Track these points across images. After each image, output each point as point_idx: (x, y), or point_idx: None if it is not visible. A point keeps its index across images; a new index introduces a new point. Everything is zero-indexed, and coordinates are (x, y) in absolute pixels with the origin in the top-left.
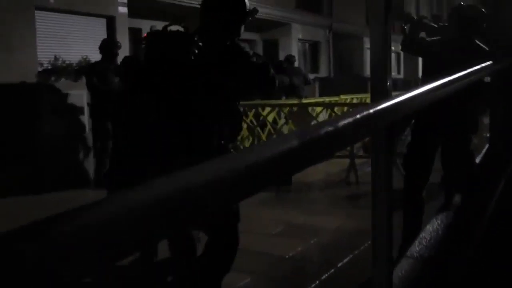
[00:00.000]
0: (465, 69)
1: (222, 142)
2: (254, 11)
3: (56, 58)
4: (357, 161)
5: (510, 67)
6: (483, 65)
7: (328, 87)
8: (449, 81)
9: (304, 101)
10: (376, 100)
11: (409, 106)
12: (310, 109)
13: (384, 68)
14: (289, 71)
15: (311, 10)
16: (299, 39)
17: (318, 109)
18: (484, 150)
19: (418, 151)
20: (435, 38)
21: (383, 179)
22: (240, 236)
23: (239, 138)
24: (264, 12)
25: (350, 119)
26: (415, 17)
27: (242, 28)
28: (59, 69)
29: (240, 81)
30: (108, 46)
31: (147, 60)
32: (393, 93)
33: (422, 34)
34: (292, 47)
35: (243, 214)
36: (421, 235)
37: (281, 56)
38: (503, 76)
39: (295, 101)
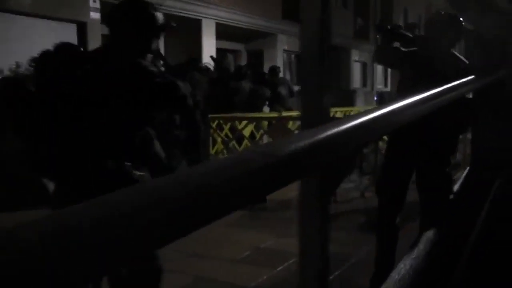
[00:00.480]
0: (442, 84)
1: (126, 165)
2: (168, 24)
3: (17, 65)
4: None
5: (495, 83)
6: (464, 80)
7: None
8: (426, 98)
9: (284, 114)
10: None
11: (359, 136)
12: (291, 123)
13: (317, 84)
14: (272, 82)
15: (298, 21)
16: (285, 50)
17: (295, 123)
18: (465, 172)
19: (390, 175)
20: (411, 49)
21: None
22: (201, 262)
23: (212, 152)
24: (249, 22)
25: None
26: (389, 26)
27: (155, 43)
28: (20, 77)
29: (141, 102)
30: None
31: (36, 86)
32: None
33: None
34: (278, 58)
35: (209, 237)
36: (392, 275)
37: (266, 67)
38: (486, 93)
39: (274, 114)
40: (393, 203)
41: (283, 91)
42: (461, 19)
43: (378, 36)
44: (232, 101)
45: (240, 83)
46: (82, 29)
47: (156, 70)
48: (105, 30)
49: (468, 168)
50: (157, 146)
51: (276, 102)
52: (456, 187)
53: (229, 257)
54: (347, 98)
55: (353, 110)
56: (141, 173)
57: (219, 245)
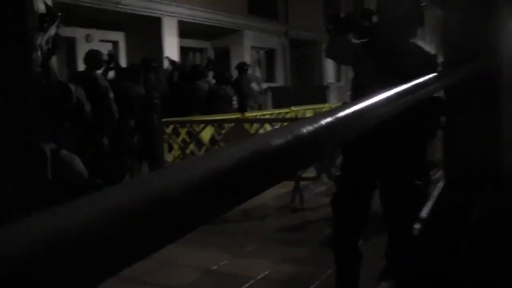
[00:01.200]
0: (400, 82)
1: None
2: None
3: None
4: (304, 182)
5: (473, 77)
6: (433, 75)
7: (283, 97)
8: (389, 97)
9: (248, 114)
10: None
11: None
12: (254, 125)
13: None
14: (239, 80)
15: (266, 16)
16: (253, 47)
17: (255, 125)
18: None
19: (348, 188)
20: (364, 40)
21: None
22: None
23: (169, 159)
24: (213, 18)
25: None
26: (341, 15)
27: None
28: None
29: None
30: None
31: None
32: None
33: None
34: (245, 55)
35: (153, 257)
36: None
37: (234, 65)
38: (461, 90)
39: (235, 115)
40: (351, 221)
41: (255, 87)
42: (421, 1)
43: (329, 28)
44: (189, 103)
45: (196, 83)
46: None
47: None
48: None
49: (442, 182)
50: (73, 161)
51: (250, 98)
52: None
53: (172, 282)
54: (320, 94)
55: (325, 107)
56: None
57: (163, 267)
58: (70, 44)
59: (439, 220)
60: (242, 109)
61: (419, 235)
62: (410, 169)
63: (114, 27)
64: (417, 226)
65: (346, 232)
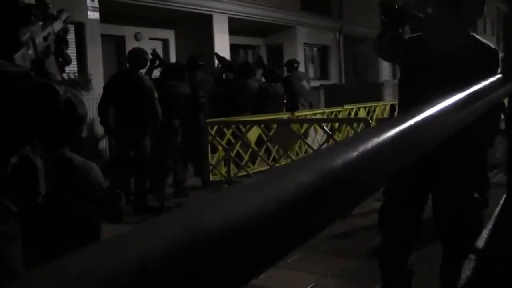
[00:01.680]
0: (464, 84)
1: None
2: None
3: None
4: None
5: None
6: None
7: (337, 95)
8: (453, 105)
9: (298, 113)
10: None
11: None
12: (304, 126)
13: None
14: (287, 78)
15: (319, 12)
16: (306, 44)
17: (305, 125)
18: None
19: (397, 200)
20: (413, 35)
21: None
22: None
23: (213, 162)
24: (264, 15)
25: None
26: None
27: (22, 32)
28: None
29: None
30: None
31: None
32: None
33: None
34: (298, 51)
35: None
36: None
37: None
38: None
39: (285, 115)
40: (401, 237)
41: (306, 85)
42: None
43: (383, 18)
44: (238, 101)
45: (246, 81)
46: (80, 29)
47: (15, 69)
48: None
49: (504, 196)
50: (95, 173)
51: (301, 96)
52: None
53: None
54: (375, 91)
55: (379, 105)
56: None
57: None
58: (119, 43)
59: (501, 238)
60: (292, 107)
61: (479, 255)
62: (468, 180)
63: (164, 25)
64: (476, 244)
65: (394, 248)
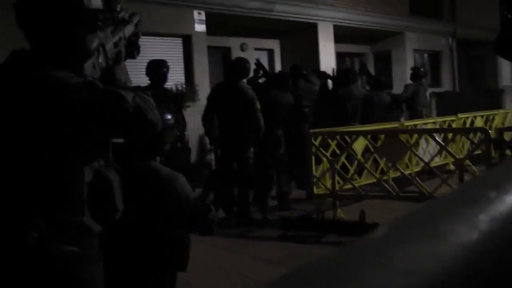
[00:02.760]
0: None
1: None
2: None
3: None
4: None
5: None
6: None
7: (450, 103)
8: None
9: (407, 123)
10: None
11: None
12: (415, 136)
13: None
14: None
15: (429, 15)
16: (415, 50)
17: (414, 136)
18: None
19: None
20: None
21: None
22: None
23: (316, 174)
24: (371, 21)
25: None
26: None
27: (92, 38)
28: None
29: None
30: (155, 68)
31: None
32: None
33: None
34: (407, 58)
35: None
36: None
37: (395, 69)
38: None
39: (392, 125)
40: None
41: (424, 93)
42: None
43: (508, 16)
44: (343, 110)
45: (351, 88)
46: (187, 41)
47: (74, 81)
48: (211, 42)
49: None
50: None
51: (424, 107)
52: None
53: None
54: (493, 98)
55: (499, 113)
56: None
57: None
58: (225, 54)
59: None
60: (413, 119)
61: None
62: None
63: (269, 35)
64: None
65: None
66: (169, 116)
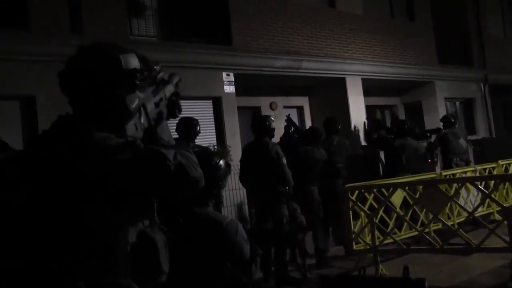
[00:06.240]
0: None
1: None
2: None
3: None
4: None
5: None
6: None
7: (487, 150)
8: None
9: (446, 172)
10: None
11: None
12: (454, 186)
13: None
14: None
15: (459, 63)
16: (446, 98)
17: (454, 186)
18: None
19: None
20: None
21: None
22: None
23: (355, 230)
24: (399, 73)
25: None
26: None
27: (132, 99)
28: None
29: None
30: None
31: None
32: None
33: None
34: (439, 107)
35: None
36: None
37: (427, 119)
38: None
39: (430, 175)
40: None
41: (463, 143)
42: None
43: None
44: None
45: (406, 139)
46: (217, 103)
47: (115, 141)
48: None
49: None
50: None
51: (456, 155)
52: None
53: None
54: None
55: None
56: None
57: None
58: (255, 113)
59: None
60: (446, 167)
61: None
62: None
63: (298, 92)
64: None
65: None
66: (221, 162)
